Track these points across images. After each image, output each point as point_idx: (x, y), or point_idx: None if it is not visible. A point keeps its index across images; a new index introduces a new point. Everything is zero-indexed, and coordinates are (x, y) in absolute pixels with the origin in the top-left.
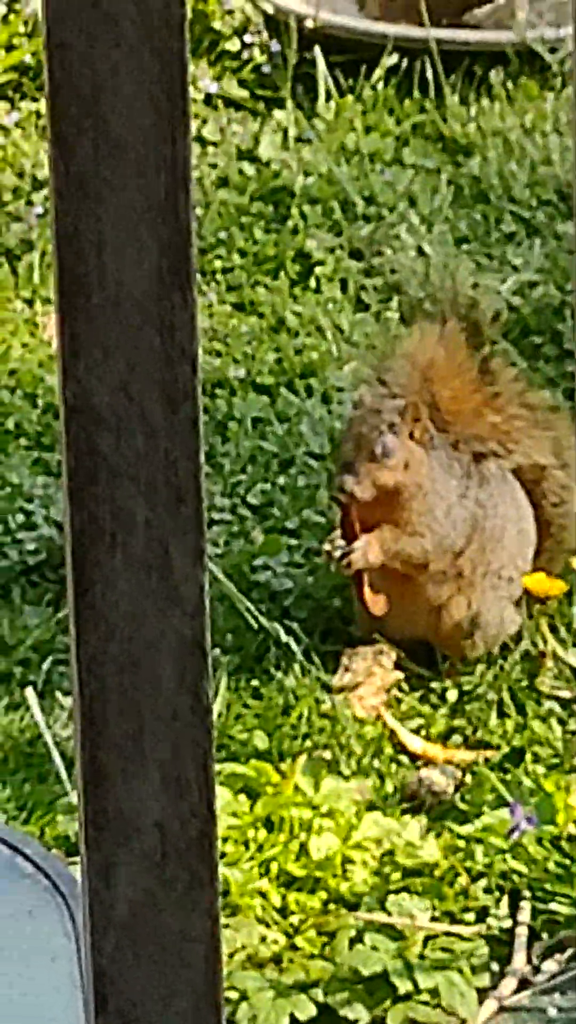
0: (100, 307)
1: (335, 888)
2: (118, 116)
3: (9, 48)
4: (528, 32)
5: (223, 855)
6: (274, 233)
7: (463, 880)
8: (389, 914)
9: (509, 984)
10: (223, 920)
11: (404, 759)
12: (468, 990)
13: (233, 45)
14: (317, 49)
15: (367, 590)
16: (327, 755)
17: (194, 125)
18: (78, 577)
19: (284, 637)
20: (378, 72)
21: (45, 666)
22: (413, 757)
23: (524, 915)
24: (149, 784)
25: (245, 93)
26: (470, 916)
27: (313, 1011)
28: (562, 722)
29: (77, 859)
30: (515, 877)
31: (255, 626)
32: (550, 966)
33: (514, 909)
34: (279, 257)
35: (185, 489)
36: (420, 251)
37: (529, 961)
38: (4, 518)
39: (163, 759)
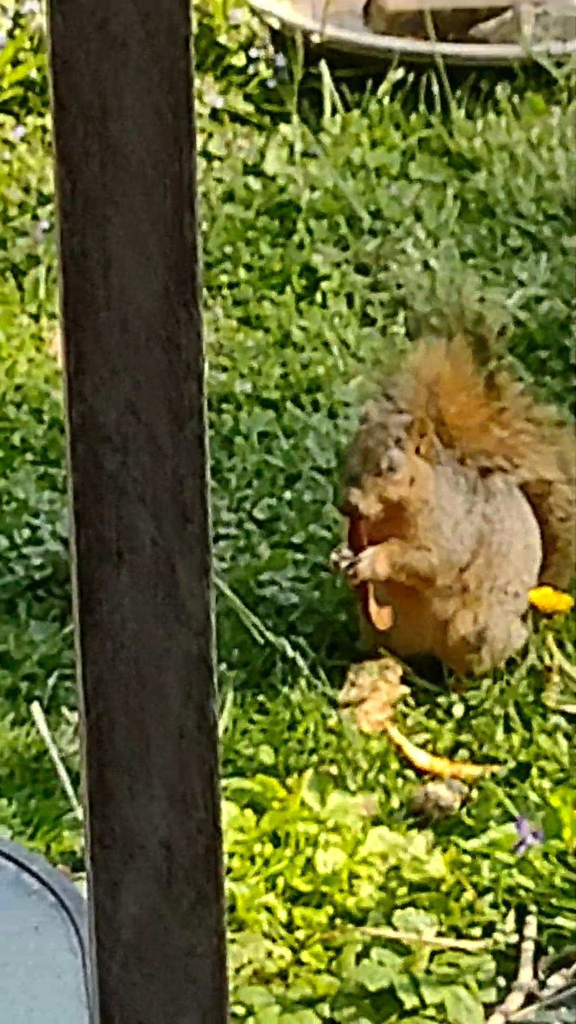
0: (106, 325)
1: (341, 903)
2: (124, 134)
3: (15, 63)
4: (534, 46)
5: (229, 870)
6: (280, 248)
7: (469, 895)
8: (395, 929)
9: (515, 999)
10: (229, 935)
11: (410, 774)
12: (474, 1005)
13: (239, 60)
14: (323, 64)
15: (372, 604)
16: (333, 770)
17: (200, 140)
18: (84, 595)
19: (290, 652)
20: (384, 87)
21: (51, 681)
22: (419, 772)
23: (530, 930)
24: (155, 801)
25: (251, 108)
26: (476, 931)
27: None
28: (568, 737)
29: (83, 875)
30: (521, 892)
31: (261, 641)
32: (556, 981)
33: (520, 924)
34: (285, 272)
35: (191, 506)
36: (426, 266)
37: (535, 976)
38: (10, 533)
39: (169, 776)
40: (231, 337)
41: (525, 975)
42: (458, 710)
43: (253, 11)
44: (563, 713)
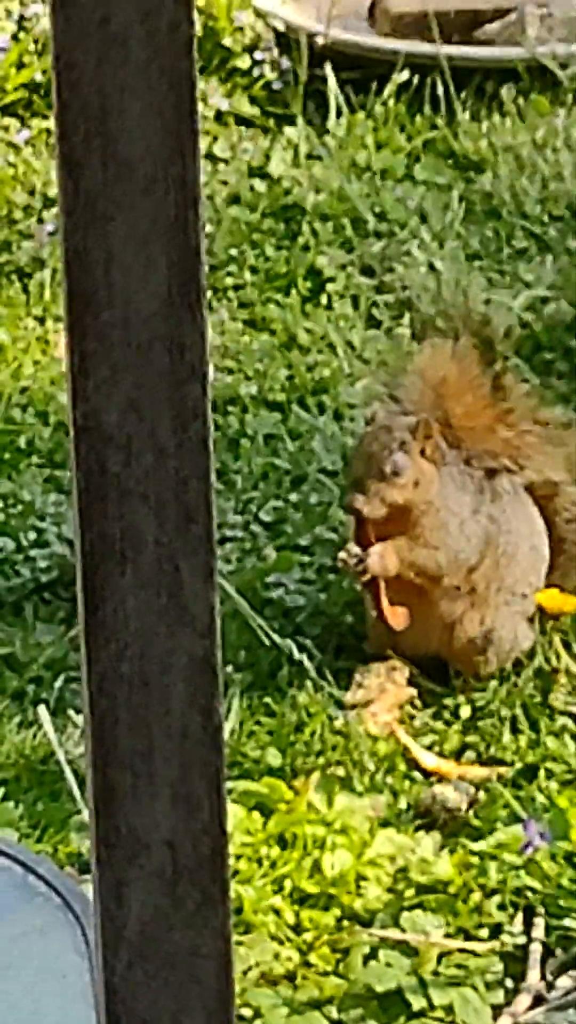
0: (109, 325)
1: (349, 905)
2: (127, 135)
3: (19, 66)
4: (539, 48)
5: (236, 872)
6: (285, 250)
7: (477, 896)
8: (403, 931)
9: (523, 1001)
10: (236, 937)
11: (417, 775)
12: (482, 1007)
13: (244, 62)
14: (328, 66)
15: (386, 603)
16: (340, 772)
17: (205, 142)
18: (88, 596)
19: (297, 654)
20: (389, 88)
21: (57, 684)
22: (426, 773)
23: (538, 931)
24: (160, 803)
25: (256, 110)
26: (484, 932)
27: None
28: (575, 738)
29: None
30: (529, 893)
31: (268, 643)
32: (564, 982)
33: (528, 925)
34: (290, 274)
35: (195, 508)
36: (432, 267)
37: (543, 977)
38: (16, 536)
39: (174, 778)
40: (237, 339)
41: (533, 977)
42: (465, 712)
43: (257, 13)
44: (570, 714)
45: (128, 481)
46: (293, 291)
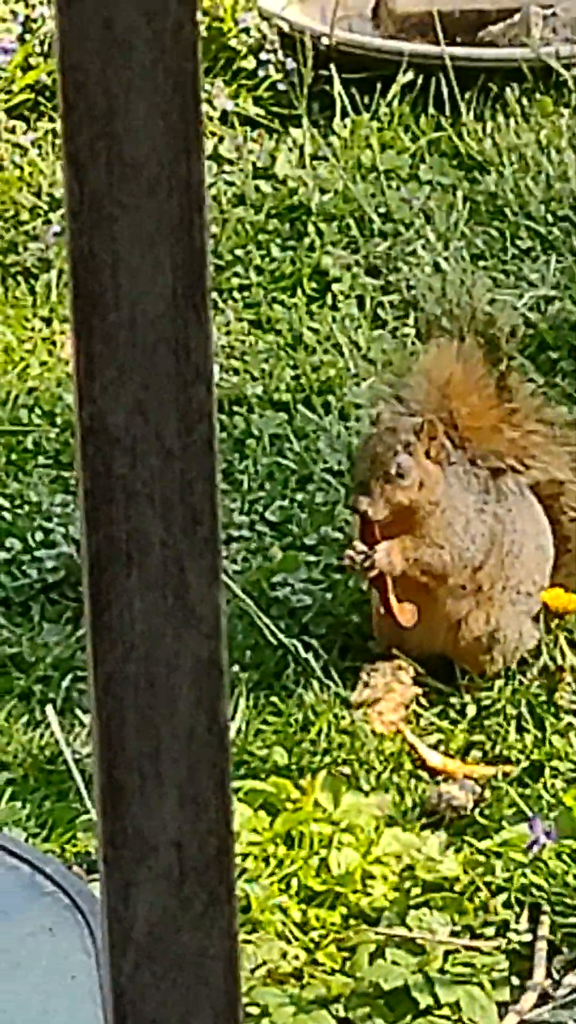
0: (115, 327)
1: (355, 903)
2: (132, 137)
3: (26, 68)
4: (543, 48)
5: (243, 871)
6: (291, 250)
7: (483, 895)
8: (409, 929)
9: (530, 998)
10: (244, 936)
11: (423, 774)
12: (489, 1004)
13: (249, 63)
14: (333, 67)
15: (394, 601)
16: (347, 771)
17: (210, 143)
18: (95, 597)
19: (303, 653)
20: (394, 89)
21: (65, 684)
22: (432, 772)
23: (544, 929)
24: (167, 803)
25: (261, 111)
26: (490, 931)
27: None
28: None
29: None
30: (535, 891)
31: (274, 642)
32: (570, 980)
33: (534, 923)
34: (296, 274)
35: (201, 510)
36: (437, 267)
37: (549, 975)
38: (23, 536)
39: (180, 778)
40: (242, 340)
41: (539, 974)
42: (471, 710)
43: (262, 15)
44: (575, 713)
45: (134, 483)
46: (298, 291)
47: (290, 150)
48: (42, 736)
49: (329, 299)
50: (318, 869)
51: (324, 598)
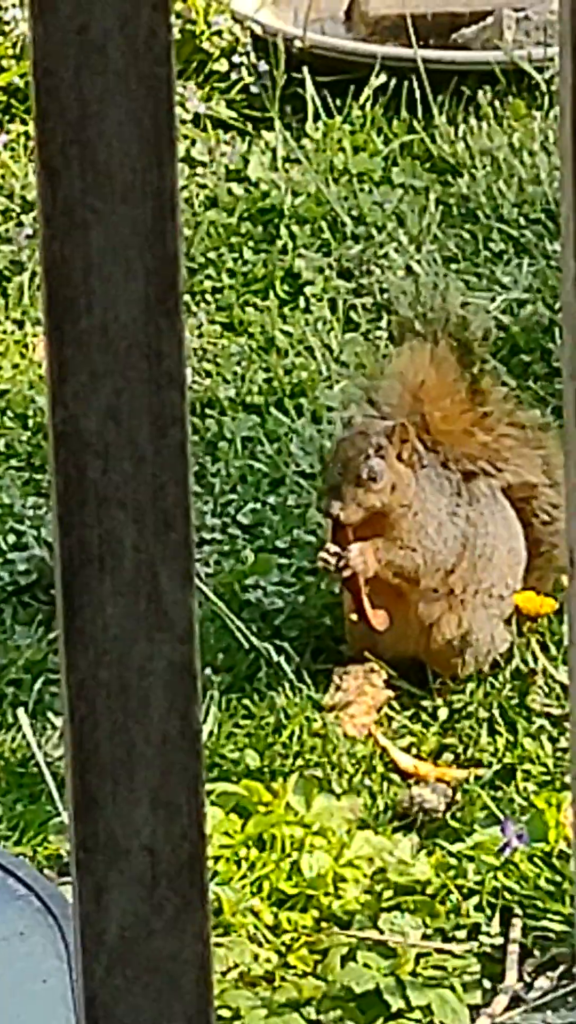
0: (88, 332)
1: (327, 906)
2: (105, 143)
3: None
4: (516, 51)
5: (215, 874)
6: (263, 253)
7: (455, 898)
8: (381, 932)
9: (501, 1001)
10: (215, 939)
11: (395, 777)
12: (460, 1007)
13: (221, 66)
14: (305, 69)
15: (367, 605)
16: (318, 774)
17: (183, 146)
18: (68, 602)
19: (275, 656)
20: (366, 92)
21: (36, 686)
22: (404, 775)
23: (516, 932)
24: (139, 808)
25: (233, 113)
26: (462, 934)
27: None
28: (553, 739)
29: (70, 879)
30: (507, 894)
31: (246, 645)
32: (542, 983)
33: (506, 926)
34: (268, 277)
35: (173, 514)
36: (409, 270)
37: (521, 978)
38: None
39: (153, 783)
40: (214, 343)
41: (511, 977)
42: (443, 713)
43: (235, 17)
44: (547, 716)
45: (107, 487)
46: (271, 294)
47: (262, 153)
48: (14, 739)
49: (301, 302)
50: (290, 872)
51: (296, 601)
